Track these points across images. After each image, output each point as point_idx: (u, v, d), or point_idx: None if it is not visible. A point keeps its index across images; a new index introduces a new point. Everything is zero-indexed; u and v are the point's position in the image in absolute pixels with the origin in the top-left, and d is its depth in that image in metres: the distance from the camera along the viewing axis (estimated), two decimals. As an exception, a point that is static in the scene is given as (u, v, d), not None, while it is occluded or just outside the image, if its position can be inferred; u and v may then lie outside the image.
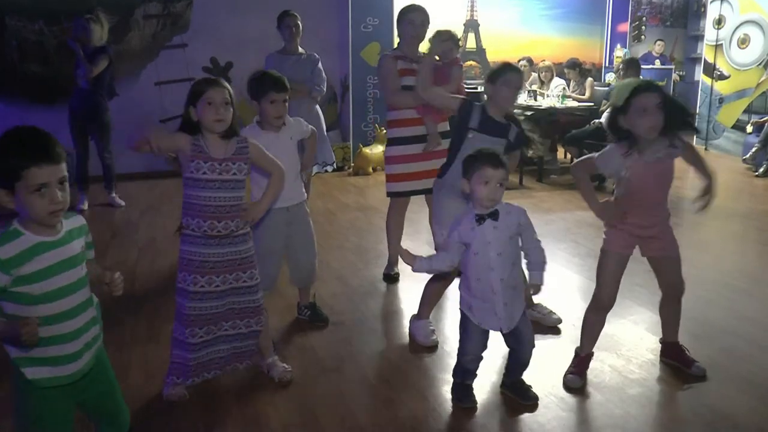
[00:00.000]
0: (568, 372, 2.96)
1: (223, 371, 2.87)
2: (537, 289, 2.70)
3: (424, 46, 3.99)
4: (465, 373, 2.77)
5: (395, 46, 4.17)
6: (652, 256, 2.92)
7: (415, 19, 3.95)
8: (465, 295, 2.67)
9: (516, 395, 2.80)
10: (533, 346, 2.75)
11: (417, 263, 2.62)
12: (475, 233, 2.54)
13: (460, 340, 2.74)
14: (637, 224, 2.80)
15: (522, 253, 2.67)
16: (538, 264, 2.66)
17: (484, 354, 2.75)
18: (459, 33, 3.64)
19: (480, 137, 3.03)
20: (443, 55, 3.88)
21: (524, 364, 2.79)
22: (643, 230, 2.82)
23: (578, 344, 3.04)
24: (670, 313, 3.07)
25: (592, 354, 3.00)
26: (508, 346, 2.76)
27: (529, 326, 2.74)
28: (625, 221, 2.80)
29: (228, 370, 2.88)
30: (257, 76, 3.17)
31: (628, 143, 2.68)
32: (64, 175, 1.76)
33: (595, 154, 2.80)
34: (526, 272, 2.73)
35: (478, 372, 2.79)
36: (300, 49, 5.14)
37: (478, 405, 2.76)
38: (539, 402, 2.78)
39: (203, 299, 2.69)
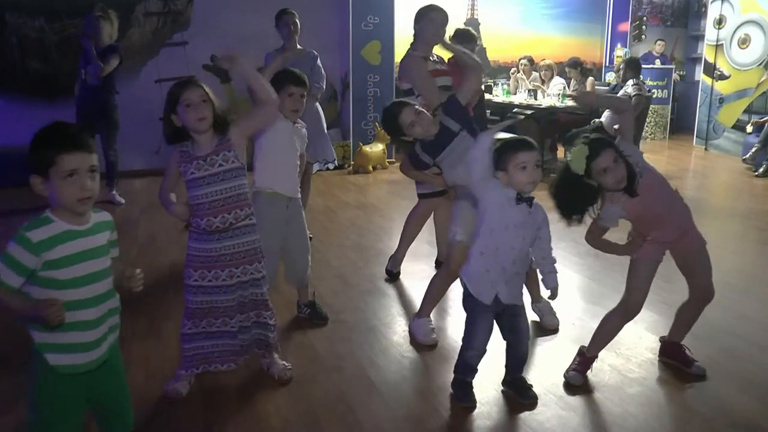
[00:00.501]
0: (571, 369, 2.96)
1: (224, 367, 2.88)
2: (555, 291, 2.75)
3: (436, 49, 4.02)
4: (466, 368, 2.77)
5: (396, 44, 4.15)
6: (684, 256, 2.90)
7: (436, 18, 3.93)
8: (472, 263, 2.67)
9: (516, 393, 2.80)
10: (529, 338, 2.78)
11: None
12: (509, 212, 2.56)
13: (466, 334, 2.74)
14: (663, 235, 2.81)
15: (533, 253, 2.69)
16: (551, 267, 2.72)
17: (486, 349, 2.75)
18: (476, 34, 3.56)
19: (445, 158, 3.22)
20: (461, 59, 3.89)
21: (522, 358, 2.80)
22: (668, 238, 2.82)
23: (579, 343, 3.05)
24: (689, 317, 3.05)
25: (596, 356, 3.00)
26: (505, 339, 2.78)
27: (526, 317, 2.78)
28: (652, 236, 2.80)
29: (224, 368, 2.88)
30: (280, 71, 3.32)
31: (609, 195, 2.70)
32: (95, 165, 1.86)
33: (596, 220, 2.79)
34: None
35: (478, 368, 2.79)
36: (299, 47, 5.13)
37: (477, 403, 2.76)
38: (538, 400, 2.78)
39: (209, 293, 2.74)
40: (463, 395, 2.78)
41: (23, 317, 1.85)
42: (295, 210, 3.40)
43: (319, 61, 5.14)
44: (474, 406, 2.74)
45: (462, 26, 3.97)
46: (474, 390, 2.80)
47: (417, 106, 3.22)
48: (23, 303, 1.82)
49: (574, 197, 2.68)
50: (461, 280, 2.74)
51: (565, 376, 2.95)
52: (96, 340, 1.93)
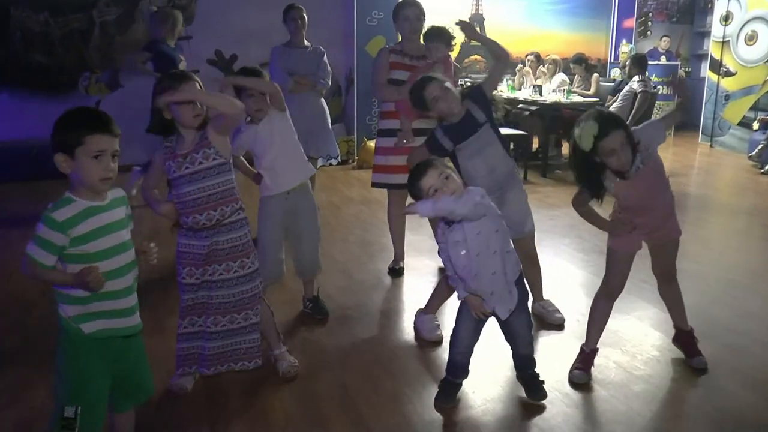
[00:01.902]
0: (574, 368, 2.95)
1: (224, 368, 2.86)
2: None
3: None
4: (455, 367, 2.73)
5: (399, 40, 4.17)
6: (657, 244, 2.93)
7: (410, 14, 4.00)
8: (456, 274, 2.58)
9: (526, 389, 2.78)
10: (528, 343, 2.74)
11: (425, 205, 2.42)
12: (452, 237, 2.47)
13: (453, 333, 2.71)
14: (646, 224, 2.81)
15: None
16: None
17: (475, 348, 2.72)
18: (458, 29, 3.57)
19: (466, 146, 3.14)
20: (429, 54, 3.89)
21: (525, 358, 2.77)
22: (650, 227, 2.83)
23: (583, 340, 3.04)
24: (670, 295, 3.07)
25: (597, 349, 3.00)
26: (507, 340, 2.76)
27: (524, 323, 2.69)
28: (635, 226, 2.80)
29: (223, 369, 2.86)
30: (237, 72, 3.25)
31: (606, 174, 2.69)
32: (117, 150, 1.99)
33: (584, 190, 2.78)
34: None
35: (472, 371, 2.76)
36: (306, 42, 5.13)
37: (483, 402, 2.76)
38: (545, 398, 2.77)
39: (197, 290, 2.74)
40: (445, 396, 2.73)
41: (63, 289, 1.97)
42: (300, 198, 3.34)
43: (325, 57, 5.12)
44: (452, 407, 2.71)
45: (436, 25, 3.96)
46: (461, 393, 2.77)
47: (446, 83, 3.16)
48: (64, 276, 1.94)
49: (583, 172, 2.69)
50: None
51: (569, 375, 2.94)
52: (132, 307, 2.08)
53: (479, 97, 3.21)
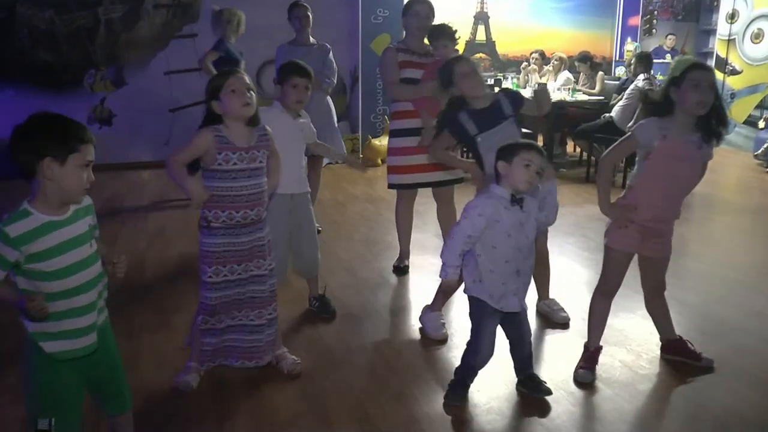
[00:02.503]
0: (579, 367, 2.95)
1: (238, 363, 2.91)
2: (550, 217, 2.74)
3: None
4: (471, 371, 2.74)
5: (403, 37, 4.16)
6: (647, 256, 2.93)
7: (420, 11, 3.97)
8: (483, 286, 2.61)
9: (529, 390, 2.79)
10: (530, 335, 2.78)
11: (445, 268, 2.60)
12: (506, 214, 2.53)
13: (473, 340, 2.69)
14: (650, 217, 2.80)
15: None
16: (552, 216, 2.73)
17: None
18: (463, 27, 3.70)
19: (488, 135, 3.08)
20: (437, 53, 3.90)
21: (527, 357, 2.78)
22: (654, 223, 2.81)
23: (582, 338, 3.04)
24: (659, 309, 3.08)
25: (600, 347, 3.00)
26: (509, 339, 2.76)
27: (527, 319, 2.76)
28: (636, 216, 2.79)
29: (237, 364, 2.92)
30: (284, 64, 3.26)
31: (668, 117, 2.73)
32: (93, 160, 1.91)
33: (632, 128, 2.86)
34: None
35: (486, 367, 2.76)
36: (311, 40, 5.11)
37: (488, 401, 2.76)
38: (551, 395, 2.77)
39: (225, 288, 2.76)
40: (455, 395, 2.74)
41: (15, 307, 1.86)
42: (301, 201, 3.40)
43: (331, 55, 5.10)
44: (463, 406, 2.72)
45: (440, 24, 3.98)
46: (492, 388, 2.79)
47: (478, 67, 3.19)
48: (10, 293, 1.84)
49: (654, 102, 2.78)
50: (469, 296, 2.67)
51: (574, 375, 2.94)
52: (90, 326, 1.96)
53: (515, 97, 3.23)
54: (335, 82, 5.15)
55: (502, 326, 2.72)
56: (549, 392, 2.76)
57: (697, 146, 2.73)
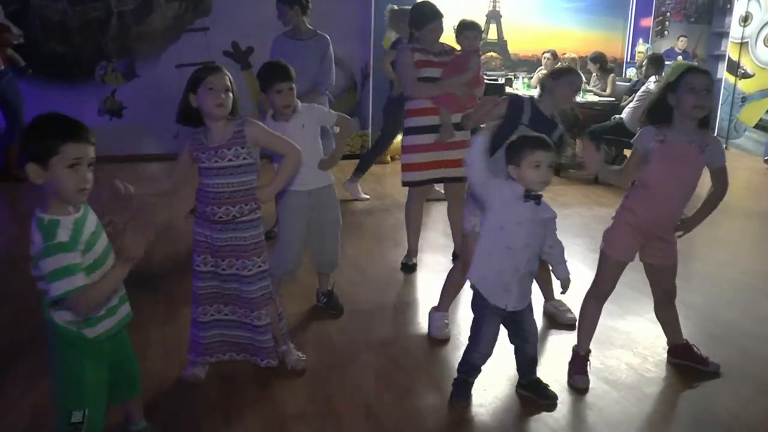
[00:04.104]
0: (574, 373, 2.92)
1: (240, 357, 2.92)
2: (567, 282, 2.70)
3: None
4: (470, 368, 2.74)
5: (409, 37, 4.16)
6: (652, 264, 2.93)
7: (436, 26, 3.97)
8: (481, 265, 2.62)
9: (534, 394, 2.78)
10: (536, 338, 2.76)
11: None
12: (518, 208, 2.51)
13: (472, 336, 2.71)
14: (650, 219, 2.80)
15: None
16: (561, 258, 2.67)
17: (492, 358, 2.72)
18: (482, 24, 3.82)
19: (529, 132, 3.05)
20: (465, 44, 3.93)
21: (532, 360, 2.77)
22: (652, 227, 2.82)
23: (594, 339, 3.02)
24: (668, 316, 3.07)
25: (590, 351, 2.98)
26: (512, 342, 2.75)
27: (533, 320, 2.74)
28: (639, 212, 2.79)
29: (240, 358, 2.94)
30: (262, 68, 3.15)
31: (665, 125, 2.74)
32: (93, 158, 1.89)
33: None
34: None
35: (485, 368, 2.77)
36: (309, 27, 4.73)
37: (494, 400, 2.77)
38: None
39: (210, 278, 2.78)
40: (460, 395, 2.75)
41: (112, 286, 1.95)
42: (322, 197, 3.36)
43: (331, 49, 4.74)
44: (468, 406, 2.72)
45: (467, 18, 4.00)
46: (473, 391, 2.78)
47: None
48: (113, 274, 1.90)
49: (654, 110, 2.78)
50: (470, 283, 2.68)
51: (570, 381, 2.91)
52: (115, 306, 2.08)
53: (561, 138, 3.20)
54: (333, 80, 4.80)
55: (505, 327, 2.71)
56: (555, 397, 2.75)
57: (699, 149, 2.72)
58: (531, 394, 2.78)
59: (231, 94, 2.59)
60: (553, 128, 3.09)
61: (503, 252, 2.55)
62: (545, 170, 2.48)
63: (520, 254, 2.55)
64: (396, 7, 5.77)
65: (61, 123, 1.84)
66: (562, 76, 3.11)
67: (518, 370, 2.82)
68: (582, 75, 3.27)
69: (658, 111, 2.76)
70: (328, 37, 4.75)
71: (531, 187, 2.50)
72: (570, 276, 2.69)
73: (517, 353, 2.78)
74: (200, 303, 2.81)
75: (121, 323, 2.10)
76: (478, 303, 2.68)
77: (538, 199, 2.53)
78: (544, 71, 8.30)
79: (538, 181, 2.49)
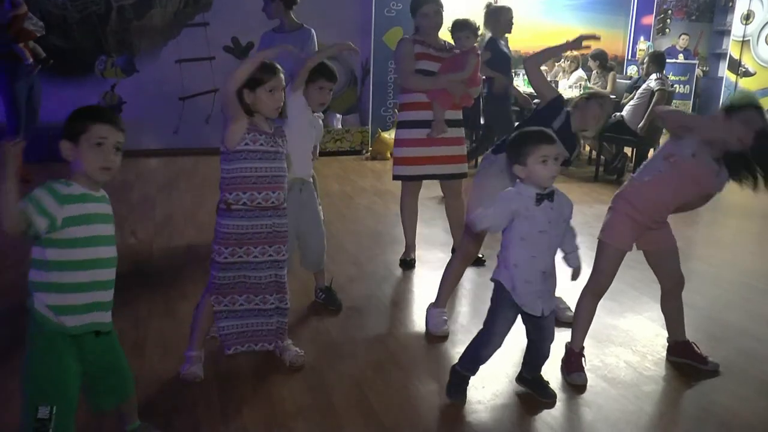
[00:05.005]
0: (571, 371, 2.90)
1: (257, 348, 2.93)
2: (578, 271, 2.68)
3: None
4: (473, 362, 2.70)
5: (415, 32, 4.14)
6: (650, 250, 2.93)
7: (428, 11, 3.97)
8: (509, 275, 2.55)
9: (534, 391, 2.76)
10: (553, 338, 2.72)
11: (478, 218, 2.51)
12: (535, 213, 2.46)
13: (487, 328, 2.63)
14: (649, 217, 2.82)
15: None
16: (574, 246, 2.65)
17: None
18: (478, 22, 3.87)
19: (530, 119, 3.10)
20: (460, 44, 3.91)
21: (544, 357, 2.73)
22: (649, 222, 2.84)
23: (594, 337, 3.04)
24: (673, 309, 3.06)
25: (584, 348, 2.96)
26: (530, 339, 2.71)
27: (554, 319, 2.69)
28: (641, 209, 2.81)
29: (271, 347, 2.96)
30: (319, 64, 3.32)
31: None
32: (121, 142, 2.04)
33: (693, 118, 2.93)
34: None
35: (482, 366, 2.74)
36: (295, 21, 4.63)
37: (492, 397, 2.76)
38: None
39: (239, 269, 2.77)
40: (456, 391, 2.72)
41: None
42: (308, 194, 3.43)
43: (313, 39, 4.57)
44: (463, 403, 2.70)
45: (460, 18, 4.00)
46: (471, 388, 2.76)
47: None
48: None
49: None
50: (496, 282, 2.60)
51: (567, 379, 2.89)
52: (110, 302, 2.09)
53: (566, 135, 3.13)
54: None
55: (524, 324, 2.66)
56: (554, 396, 2.73)
57: (715, 173, 2.74)
58: (531, 390, 2.76)
59: (284, 93, 2.74)
60: (573, 145, 3.11)
61: (528, 261, 2.50)
62: (553, 164, 2.43)
63: (543, 258, 2.51)
64: (493, 3, 5.75)
65: (93, 108, 2.10)
66: (597, 98, 3.18)
67: (525, 364, 2.79)
68: (611, 101, 3.29)
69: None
70: (312, 30, 4.64)
71: (541, 183, 2.45)
72: (580, 265, 2.66)
73: (531, 350, 2.74)
74: (226, 293, 2.80)
75: (102, 327, 2.06)
76: (497, 294, 2.61)
77: (550, 196, 2.48)
78: (544, 68, 8.29)
79: (548, 176, 2.44)
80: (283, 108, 2.78)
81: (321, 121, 3.53)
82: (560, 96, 3.20)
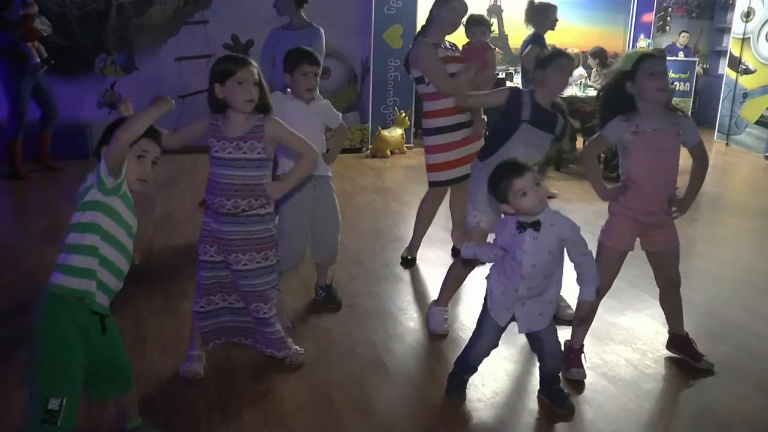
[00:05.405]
0: (570, 366, 2.90)
1: (249, 341, 2.94)
2: (583, 307, 2.58)
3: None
4: (466, 365, 2.72)
5: (418, 29, 4.11)
6: (654, 251, 2.92)
7: (458, 7, 3.90)
8: (492, 279, 2.58)
9: (552, 402, 2.69)
10: (557, 359, 2.68)
11: (465, 248, 2.53)
12: (515, 240, 2.43)
13: (472, 337, 2.69)
14: (642, 209, 2.80)
15: (573, 264, 2.52)
16: (589, 279, 2.51)
17: (492, 352, 2.69)
18: (491, 19, 3.88)
19: (531, 131, 3.05)
20: (475, 38, 3.93)
21: (549, 377, 2.69)
22: (646, 217, 2.81)
23: (595, 335, 3.03)
24: (672, 305, 3.06)
25: (583, 345, 2.97)
26: (534, 351, 2.72)
27: (554, 340, 2.63)
28: (630, 205, 2.80)
29: (248, 342, 2.95)
30: (290, 51, 3.23)
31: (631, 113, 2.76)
32: (158, 157, 2.22)
33: (601, 130, 2.86)
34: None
35: (482, 364, 2.74)
36: (304, 19, 4.70)
37: (492, 395, 2.76)
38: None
39: (216, 269, 2.77)
40: (454, 390, 2.72)
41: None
42: (324, 187, 3.40)
43: (321, 38, 4.64)
44: (462, 402, 2.70)
45: (476, 13, 4.00)
46: (471, 386, 2.77)
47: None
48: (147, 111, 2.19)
49: (611, 99, 2.81)
50: (487, 287, 2.62)
51: (566, 374, 2.88)
52: (115, 291, 2.16)
53: (565, 127, 3.15)
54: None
55: (526, 336, 2.67)
56: (571, 408, 2.65)
57: (675, 134, 2.75)
58: (549, 401, 2.70)
59: (261, 87, 2.60)
60: (554, 121, 3.07)
61: (508, 275, 2.48)
62: (533, 192, 2.36)
63: (513, 279, 2.46)
64: (536, 0, 5.76)
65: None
66: (548, 63, 3.02)
67: (540, 380, 2.76)
68: (571, 56, 3.16)
69: (617, 102, 2.79)
70: (321, 29, 4.67)
71: (530, 213, 2.39)
72: (592, 299, 2.56)
73: (539, 364, 2.72)
74: (204, 294, 2.80)
75: (103, 309, 2.11)
76: (484, 308, 2.64)
77: (535, 226, 2.40)
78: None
79: (532, 206, 2.37)
80: (267, 103, 2.65)
81: (324, 102, 3.34)
82: (513, 88, 3.19)
